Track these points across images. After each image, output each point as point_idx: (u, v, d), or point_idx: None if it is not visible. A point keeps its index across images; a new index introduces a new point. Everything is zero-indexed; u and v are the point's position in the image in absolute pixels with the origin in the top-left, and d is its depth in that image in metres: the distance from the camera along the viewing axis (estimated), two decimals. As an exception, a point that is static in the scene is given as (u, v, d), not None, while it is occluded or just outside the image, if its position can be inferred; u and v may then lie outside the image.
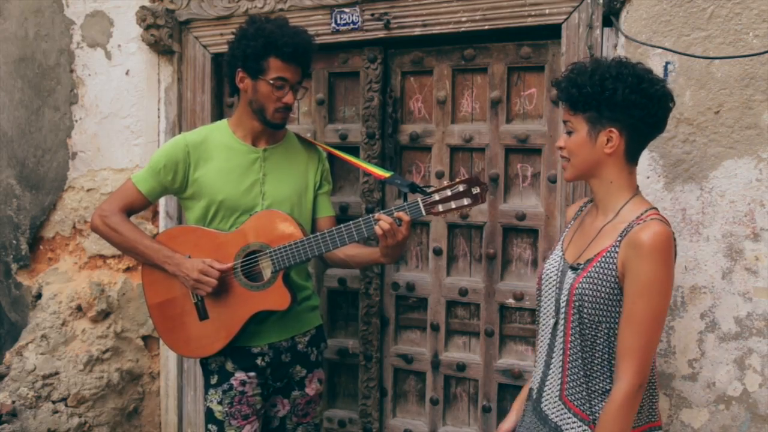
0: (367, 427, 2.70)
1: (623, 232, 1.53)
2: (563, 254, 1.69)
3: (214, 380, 2.13)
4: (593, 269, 1.55)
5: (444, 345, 2.61)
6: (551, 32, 2.29)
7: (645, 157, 2.11)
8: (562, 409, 1.61)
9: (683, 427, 2.10)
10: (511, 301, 2.49)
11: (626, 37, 2.12)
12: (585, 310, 1.55)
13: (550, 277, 1.68)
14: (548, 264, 1.72)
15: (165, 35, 2.77)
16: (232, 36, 2.11)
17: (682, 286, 2.09)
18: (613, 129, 1.55)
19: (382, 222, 1.87)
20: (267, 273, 2.03)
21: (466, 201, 1.88)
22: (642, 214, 1.55)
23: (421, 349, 2.66)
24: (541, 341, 1.72)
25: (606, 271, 1.53)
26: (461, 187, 1.88)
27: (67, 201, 3.07)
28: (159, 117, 2.90)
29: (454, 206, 1.89)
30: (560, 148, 1.64)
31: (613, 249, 1.53)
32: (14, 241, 3.17)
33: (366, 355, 2.67)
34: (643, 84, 1.54)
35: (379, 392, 2.69)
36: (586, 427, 1.56)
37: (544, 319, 1.71)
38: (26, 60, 3.09)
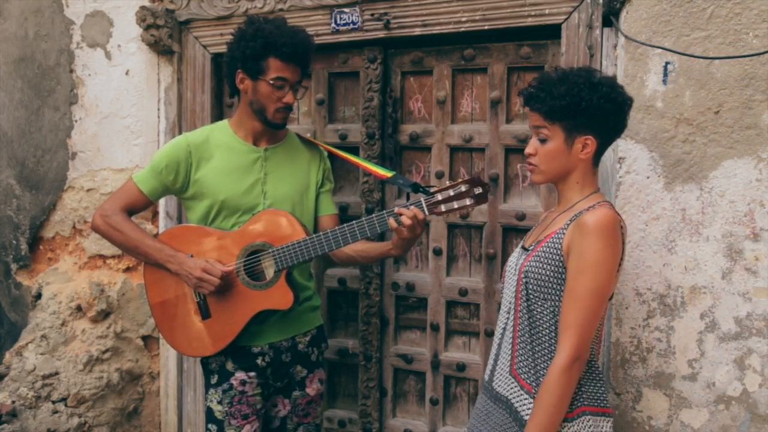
0: (366, 427, 2.70)
1: (573, 217, 1.63)
2: (523, 244, 1.79)
3: (214, 380, 2.13)
4: (541, 249, 1.65)
5: (444, 345, 2.61)
6: (551, 32, 2.29)
7: (645, 157, 2.11)
8: (513, 382, 1.68)
9: (683, 427, 2.10)
10: (511, 301, 2.49)
11: (626, 37, 2.12)
12: (530, 287, 1.64)
13: (510, 267, 1.78)
14: (510, 257, 1.82)
15: (165, 35, 2.77)
16: (232, 37, 2.11)
17: (682, 286, 2.09)
18: (589, 136, 1.64)
19: (404, 218, 1.90)
20: (269, 272, 2.03)
21: (468, 201, 1.89)
22: (594, 205, 1.64)
23: (421, 349, 2.66)
24: (498, 328, 1.79)
25: (552, 251, 1.62)
26: (463, 187, 1.89)
27: (66, 201, 3.07)
28: (159, 117, 2.90)
29: (456, 206, 1.90)
30: (531, 155, 1.71)
31: (561, 231, 1.63)
32: (14, 241, 3.17)
33: (366, 355, 2.67)
34: (613, 93, 1.64)
35: (379, 392, 2.69)
36: (531, 399, 1.62)
37: (503, 306, 1.78)
38: (26, 60, 3.09)
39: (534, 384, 1.63)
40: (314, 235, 1.99)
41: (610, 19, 2.17)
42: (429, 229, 2.61)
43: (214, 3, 2.72)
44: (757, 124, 1.98)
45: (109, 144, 2.98)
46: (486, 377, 1.79)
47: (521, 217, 2.45)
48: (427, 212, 1.91)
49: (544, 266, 1.63)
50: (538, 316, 1.64)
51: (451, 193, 1.89)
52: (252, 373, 2.12)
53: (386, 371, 2.71)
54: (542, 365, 1.63)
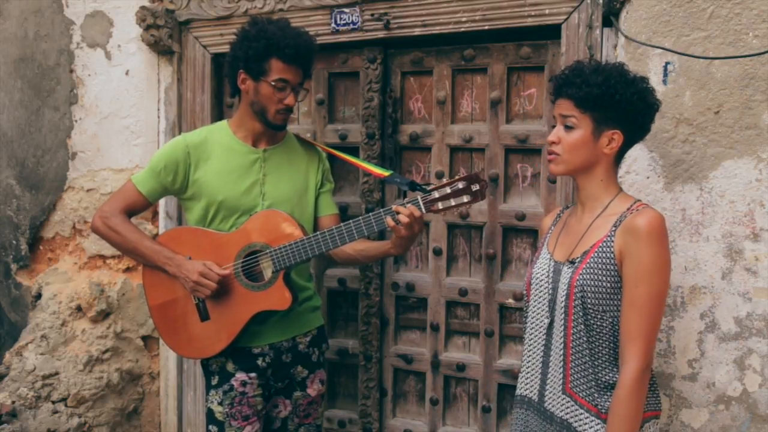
0: (366, 428, 2.70)
1: (617, 222, 1.58)
2: (551, 256, 1.72)
3: (214, 381, 2.13)
4: (591, 260, 1.59)
5: (444, 345, 2.61)
6: (551, 32, 2.29)
7: (645, 157, 2.11)
8: (568, 402, 1.62)
9: (683, 427, 2.10)
10: (510, 302, 2.49)
11: (626, 37, 2.12)
12: (588, 301, 1.58)
13: (541, 280, 1.71)
14: (537, 268, 1.74)
15: (165, 35, 2.77)
16: (233, 36, 2.12)
17: (682, 286, 2.09)
18: (616, 131, 1.62)
19: (402, 216, 1.89)
20: (268, 273, 2.03)
21: (465, 198, 1.88)
22: (632, 206, 1.61)
23: (421, 350, 2.66)
24: (533, 344, 1.73)
25: (604, 261, 1.57)
26: (461, 185, 1.88)
27: (66, 201, 3.07)
28: (159, 117, 2.90)
29: (453, 203, 1.89)
30: (553, 142, 1.65)
31: (608, 238, 1.57)
32: (14, 241, 3.17)
33: (366, 356, 2.67)
34: (645, 92, 1.62)
35: (378, 392, 2.69)
36: (594, 418, 1.57)
37: (535, 321, 1.72)
38: (26, 60, 3.09)
39: (595, 403, 1.58)
40: (311, 235, 1.99)
41: (610, 19, 2.17)
42: (429, 229, 2.61)
43: (214, 3, 2.72)
44: (757, 124, 1.98)
45: (109, 144, 2.98)
46: (533, 395, 1.72)
47: (521, 217, 2.45)
48: (424, 210, 1.90)
49: (600, 278, 1.57)
50: (597, 330, 1.58)
51: (449, 190, 1.88)
52: (252, 374, 2.12)
53: (386, 371, 2.71)
54: (605, 379, 1.58)
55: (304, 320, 2.20)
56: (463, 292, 2.55)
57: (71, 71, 3.02)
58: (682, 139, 2.07)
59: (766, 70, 1.96)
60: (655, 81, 2.08)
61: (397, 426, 2.71)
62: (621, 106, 1.59)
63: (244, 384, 2.11)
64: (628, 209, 1.59)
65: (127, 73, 2.93)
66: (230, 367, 2.12)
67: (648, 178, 2.11)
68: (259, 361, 2.12)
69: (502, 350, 2.54)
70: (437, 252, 2.59)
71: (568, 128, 1.63)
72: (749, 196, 2.00)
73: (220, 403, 2.11)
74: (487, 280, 2.52)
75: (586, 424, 1.58)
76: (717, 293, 2.05)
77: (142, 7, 2.78)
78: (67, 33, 3.02)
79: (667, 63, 2.08)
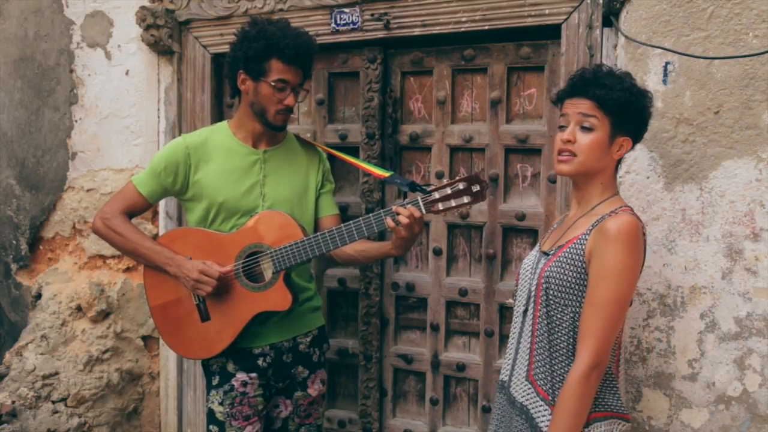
0: (366, 428, 2.70)
1: (595, 222, 1.61)
2: (539, 248, 1.77)
3: (215, 381, 2.13)
4: (562, 254, 1.62)
5: (444, 345, 2.61)
6: (551, 32, 2.29)
7: (645, 157, 2.11)
8: (529, 388, 1.65)
9: (683, 427, 2.10)
10: (510, 301, 2.48)
11: (626, 37, 2.12)
12: (551, 292, 1.62)
13: (526, 269, 1.76)
14: (526, 259, 1.80)
15: (165, 35, 2.77)
16: (233, 36, 2.11)
17: (682, 286, 2.09)
18: (627, 138, 1.65)
19: (401, 216, 1.89)
20: (268, 274, 2.03)
21: (466, 199, 1.88)
22: (616, 209, 1.63)
23: (421, 349, 2.66)
24: (513, 330, 1.78)
25: (574, 257, 1.60)
26: (461, 185, 1.88)
27: (66, 201, 3.07)
28: (159, 117, 2.89)
29: (454, 204, 1.89)
30: (569, 141, 1.63)
31: (583, 237, 1.60)
32: (14, 241, 3.17)
33: (366, 356, 2.67)
34: (650, 105, 1.68)
35: (378, 392, 2.69)
36: (547, 407, 1.60)
37: (516, 309, 1.77)
38: (26, 60, 3.09)
39: (550, 391, 1.60)
40: (312, 236, 1.99)
41: (610, 19, 2.17)
42: (429, 230, 2.61)
43: (214, 3, 2.72)
44: (757, 124, 1.98)
45: (109, 144, 2.98)
46: (504, 378, 1.77)
47: (521, 217, 2.45)
48: (424, 211, 1.90)
49: (566, 271, 1.60)
50: (557, 322, 1.61)
51: (449, 191, 1.88)
52: (253, 374, 2.12)
53: (386, 371, 2.71)
54: (559, 372, 1.60)
55: (305, 320, 2.20)
56: (463, 292, 2.55)
57: (71, 71, 3.02)
58: (682, 139, 2.07)
59: (766, 70, 1.96)
60: (655, 81, 2.09)
61: (397, 426, 2.71)
62: (637, 114, 1.64)
63: (244, 384, 2.11)
64: (610, 213, 1.61)
65: (127, 73, 2.93)
66: (231, 367, 2.12)
67: (648, 178, 2.11)
68: (260, 362, 2.12)
69: (502, 350, 2.54)
70: (437, 252, 2.59)
71: (586, 129, 1.62)
72: (749, 196, 2.00)
73: (221, 404, 2.11)
74: (487, 280, 2.52)
75: (539, 412, 1.61)
76: (717, 293, 2.05)
77: (142, 7, 2.78)
78: (67, 33, 3.02)
79: (667, 63, 2.08)
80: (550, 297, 1.62)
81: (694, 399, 2.09)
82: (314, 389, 2.23)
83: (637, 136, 1.69)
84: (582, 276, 1.58)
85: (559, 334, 1.61)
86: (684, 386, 2.10)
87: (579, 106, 1.63)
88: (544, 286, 1.62)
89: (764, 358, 2.00)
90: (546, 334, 1.62)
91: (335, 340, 2.76)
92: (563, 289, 1.60)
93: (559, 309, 1.61)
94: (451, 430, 2.62)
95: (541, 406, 1.61)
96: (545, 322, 1.63)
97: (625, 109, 1.61)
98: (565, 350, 1.61)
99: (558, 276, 1.61)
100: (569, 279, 1.59)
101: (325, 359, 2.33)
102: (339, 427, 2.78)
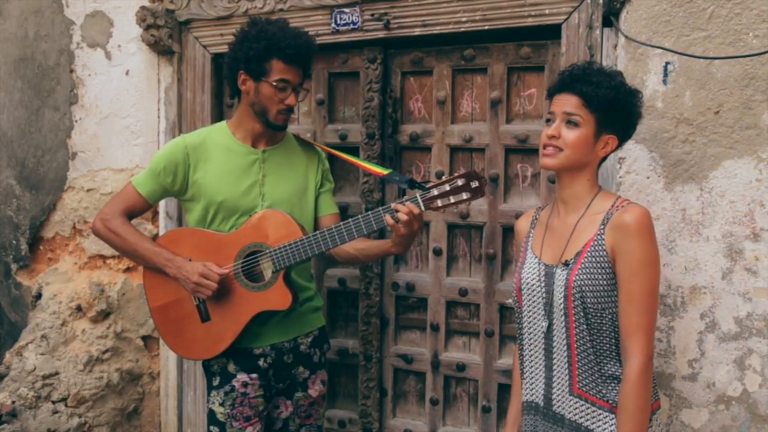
0: (367, 428, 2.70)
1: (604, 219, 1.61)
2: (539, 259, 1.72)
3: (216, 382, 2.13)
4: (585, 260, 1.60)
5: (444, 345, 2.61)
6: (551, 32, 2.29)
7: (645, 157, 2.11)
8: (578, 402, 1.63)
9: (683, 427, 2.10)
10: (510, 301, 2.48)
11: (626, 37, 2.12)
12: (588, 300, 1.59)
13: (532, 284, 1.71)
14: (525, 272, 1.74)
15: (165, 35, 2.77)
16: (233, 36, 2.11)
17: (682, 286, 2.09)
18: (612, 136, 1.66)
19: (401, 214, 1.88)
20: (268, 273, 2.03)
21: (465, 195, 1.87)
22: (615, 202, 1.64)
23: (421, 350, 2.66)
24: (533, 349, 1.73)
25: (598, 259, 1.59)
26: (460, 182, 1.87)
27: (66, 201, 3.07)
28: (159, 117, 2.89)
29: (452, 200, 1.88)
30: (554, 137, 1.65)
31: (599, 237, 1.60)
32: (14, 241, 3.17)
33: (366, 356, 2.67)
34: (640, 104, 1.68)
35: (379, 392, 2.69)
36: (607, 413, 1.58)
37: (531, 327, 1.72)
38: (26, 60, 3.09)
39: (604, 398, 1.59)
40: (311, 235, 1.98)
41: (610, 19, 2.17)
42: (429, 229, 2.61)
43: (214, 3, 2.72)
44: (757, 124, 1.98)
45: (109, 144, 2.98)
46: (535, 399, 1.72)
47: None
48: (423, 207, 1.90)
49: (596, 276, 1.59)
50: (598, 328, 1.60)
51: (447, 187, 1.88)
52: (254, 375, 2.12)
53: (386, 371, 2.71)
54: (609, 372, 1.60)
55: (306, 321, 2.20)
56: (463, 292, 2.55)
57: (71, 71, 3.02)
58: (682, 139, 2.07)
59: (766, 70, 1.96)
60: (655, 81, 2.09)
61: (397, 426, 2.71)
62: (624, 113, 1.64)
63: (245, 385, 2.11)
64: (613, 206, 1.62)
65: (127, 73, 2.93)
66: (231, 368, 2.12)
67: (648, 178, 2.11)
68: (261, 362, 2.12)
69: (502, 350, 2.54)
70: (437, 252, 2.59)
71: (571, 125, 1.63)
72: (749, 196, 2.00)
73: (222, 404, 2.11)
74: (487, 280, 2.52)
75: (600, 420, 1.59)
76: (717, 293, 2.05)
77: (142, 7, 2.78)
78: (67, 33, 3.02)
79: (667, 63, 2.08)
80: (588, 305, 1.59)
81: (694, 399, 2.08)
82: (315, 390, 2.23)
83: (623, 135, 1.69)
84: (611, 276, 1.59)
85: (602, 338, 1.60)
86: (684, 386, 2.10)
87: (566, 102, 1.64)
88: (578, 296, 1.60)
89: (764, 359, 2.00)
90: (589, 343, 1.60)
91: (335, 340, 2.76)
92: (599, 294, 1.59)
93: (598, 315, 1.60)
94: (451, 430, 2.62)
95: (601, 415, 1.59)
96: (586, 332, 1.60)
97: (612, 106, 1.62)
98: (609, 352, 1.60)
99: (590, 282, 1.59)
100: (601, 283, 1.59)
101: (326, 360, 2.33)
102: (339, 427, 2.78)
